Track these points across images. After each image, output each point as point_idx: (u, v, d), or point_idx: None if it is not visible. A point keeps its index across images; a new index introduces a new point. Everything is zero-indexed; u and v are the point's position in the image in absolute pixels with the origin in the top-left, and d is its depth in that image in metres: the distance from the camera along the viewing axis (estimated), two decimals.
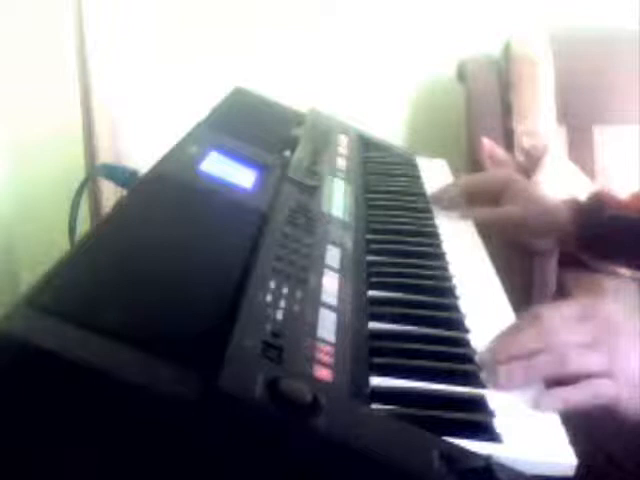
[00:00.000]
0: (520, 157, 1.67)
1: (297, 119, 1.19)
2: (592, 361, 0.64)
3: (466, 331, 0.72)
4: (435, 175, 1.17)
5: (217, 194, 0.80)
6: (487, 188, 1.06)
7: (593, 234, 0.98)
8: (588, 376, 0.64)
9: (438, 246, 0.92)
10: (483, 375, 0.65)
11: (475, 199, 1.06)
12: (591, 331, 0.65)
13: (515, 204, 1.01)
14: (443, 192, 1.07)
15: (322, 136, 1.17)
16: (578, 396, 0.63)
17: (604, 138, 1.75)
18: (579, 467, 0.57)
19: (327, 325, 0.64)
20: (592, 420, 0.65)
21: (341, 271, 0.75)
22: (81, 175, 1.47)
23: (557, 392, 0.63)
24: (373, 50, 1.91)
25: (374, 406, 0.59)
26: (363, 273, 0.80)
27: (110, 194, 1.57)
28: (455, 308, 0.76)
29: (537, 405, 0.62)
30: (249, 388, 0.48)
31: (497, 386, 0.63)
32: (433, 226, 0.98)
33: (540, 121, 1.72)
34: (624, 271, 1.51)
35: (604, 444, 0.80)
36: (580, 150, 1.74)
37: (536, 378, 0.64)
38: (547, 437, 0.59)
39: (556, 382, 0.64)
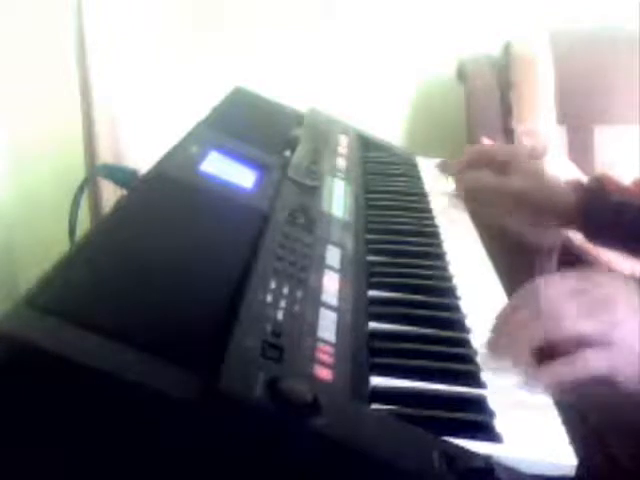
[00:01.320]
0: None
1: (297, 119, 1.19)
2: (587, 326, 0.63)
3: (466, 331, 0.72)
4: (435, 175, 1.17)
5: (217, 194, 0.80)
6: (494, 157, 1.06)
7: (593, 216, 0.98)
8: (579, 347, 0.63)
9: (438, 246, 0.92)
10: (483, 359, 0.65)
11: (484, 169, 1.06)
12: (587, 302, 0.65)
13: (523, 176, 1.01)
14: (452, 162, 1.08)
15: (322, 136, 1.17)
16: (569, 370, 0.63)
17: (604, 138, 1.75)
18: (579, 467, 0.56)
19: (327, 325, 0.64)
20: (591, 420, 0.65)
21: (341, 271, 0.75)
22: (81, 175, 1.47)
23: (546, 369, 0.63)
24: (373, 50, 1.91)
25: (374, 406, 0.59)
26: (363, 273, 0.80)
27: (110, 194, 1.57)
28: (455, 308, 0.76)
29: (527, 384, 0.62)
30: (249, 388, 0.48)
31: (497, 357, 0.64)
32: (433, 226, 0.98)
33: (540, 121, 1.72)
34: (624, 270, 1.51)
35: (604, 444, 0.80)
36: (580, 150, 1.74)
37: (531, 344, 0.64)
38: (547, 437, 0.59)
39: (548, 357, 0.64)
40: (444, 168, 1.10)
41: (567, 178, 1.04)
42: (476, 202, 1.04)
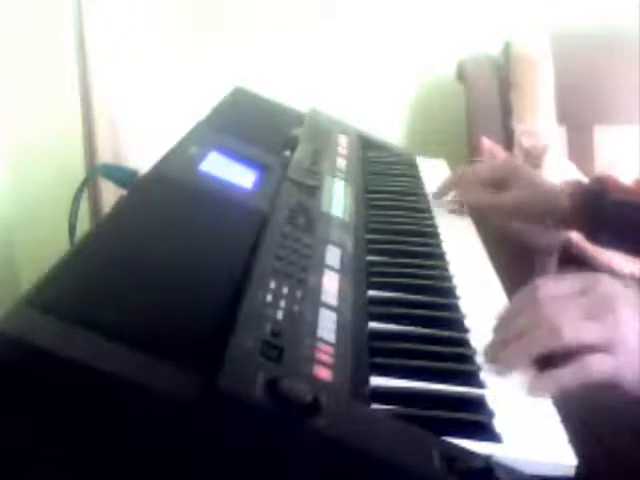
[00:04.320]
0: (520, 157, 1.67)
1: (297, 119, 1.19)
2: (588, 332, 0.63)
3: (466, 331, 0.72)
4: (435, 175, 1.17)
5: (217, 194, 0.80)
6: (489, 176, 1.06)
7: (595, 217, 0.97)
8: (582, 352, 0.63)
9: (438, 246, 0.92)
10: (484, 363, 0.65)
11: (477, 188, 1.06)
12: (587, 304, 0.65)
13: (519, 189, 1.01)
14: (443, 188, 1.08)
15: (322, 136, 1.17)
16: (572, 376, 0.63)
17: (604, 138, 1.75)
18: (579, 466, 0.56)
19: (327, 325, 0.64)
20: (592, 419, 0.64)
21: (341, 271, 0.75)
22: (81, 175, 1.47)
23: (550, 375, 0.63)
24: (373, 50, 1.91)
25: (374, 406, 0.59)
26: (363, 273, 0.80)
27: (110, 194, 1.57)
28: (455, 308, 0.76)
29: (530, 390, 0.62)
30: (249, 388, 0.48)
31: (499, 373, 0.63)
32: (433, 226, 0.98)
33: (540, 121, 1.72)
34: (624, 270, 1.51)
35: (604, 444, 0.80)
36: (580, 150, 1.74)
37: (532, 354, 0.64)
38: (547, 437, 0.59)
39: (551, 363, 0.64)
40: (442, 192, 1.09)
41: (566, 179, 1.04)
42: (476, 218, 1.04)
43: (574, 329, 0.63)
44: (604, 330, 0.64)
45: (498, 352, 0.66)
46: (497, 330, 0.68)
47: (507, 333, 0.66)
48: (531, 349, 0.64)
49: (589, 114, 1.74)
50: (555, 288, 0.67)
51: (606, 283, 0.68)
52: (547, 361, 0.64)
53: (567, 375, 0.63)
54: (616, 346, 0.63)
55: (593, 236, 1.02)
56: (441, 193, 1.08)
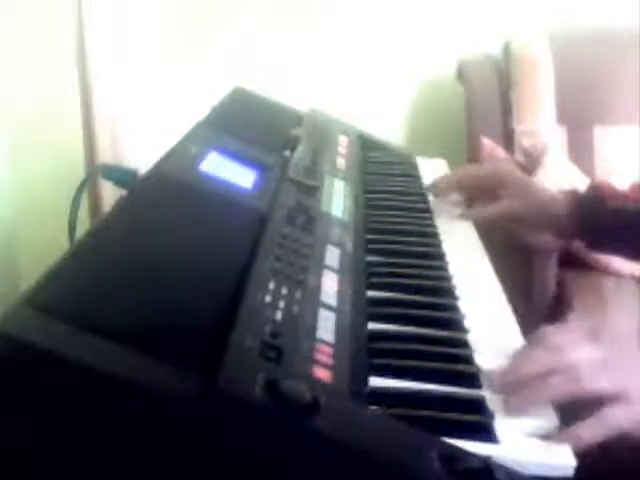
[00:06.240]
0: (520, 157, 1.67)
1: (297, 119, 1.19)
2: (605, 379, 0.62)
3: (465, 331, 0.72)
4: (435, 175, 1.17)
5: (217, 194, 0.80)
6: (484, 182, 1.05)
7: (593, 225, 0.97)
8: (601, 402, 0.62)
9: (438, 246, 0.92)
10: (496, 399, 0.62)
11: (472, 193, 1.05)
12: (601, 350, 0.64)
13: (513, 198, 1.01)
14: (440, 182, 1.08)
15: (322, 136, 1.17)
16: (593, 432, 0.61)
17: (604, 138, 1.74)
18: (579, 468, 0.56)
19: (326, 325, 0.64)
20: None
21: (340, 271, 0.75)
22: (81, 175, 1.47)
23: (571, 430, 0.61)
24: (373, 50, 1.91)
25: (373, 406, 0.59)
26: (363, 273, 0.80)
27: (110, 194, 1.57)
28: (454, 308, 0.76)
29: (552, 440, 0.60)
30: (248, 388, 0.48)
31: (512, 411, 0.61)
32: (433, 226, 0.98)
33: (540, 121, 1.72)
34: (624, 269, 1.51)
35: (604, 445, 0.80)
36: (580, 150, 1.74)
37: (551, 399, 0.62)
38: (546, 438, 0.59)
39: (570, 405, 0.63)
40: (434, 190, 1.09)
41: (563, 188, 1.04)
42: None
43: (592, 375, 0.62)
44: (618, 378, 0.62)
45: (514, 390, 0.63)
46: (512, 369, 0.65)
47: (521, 372, 0.64)
48: (551, 393, 0.62)
49: (589, 114, 1.74)
50: (565, 332, 0.66)
51: (615, 327, 0.67)
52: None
53: (589, 431, 0.61)
54: (630, 397, 0.62)
55: (592, 244, 1.02)
56: (438, 190, 1.08)
